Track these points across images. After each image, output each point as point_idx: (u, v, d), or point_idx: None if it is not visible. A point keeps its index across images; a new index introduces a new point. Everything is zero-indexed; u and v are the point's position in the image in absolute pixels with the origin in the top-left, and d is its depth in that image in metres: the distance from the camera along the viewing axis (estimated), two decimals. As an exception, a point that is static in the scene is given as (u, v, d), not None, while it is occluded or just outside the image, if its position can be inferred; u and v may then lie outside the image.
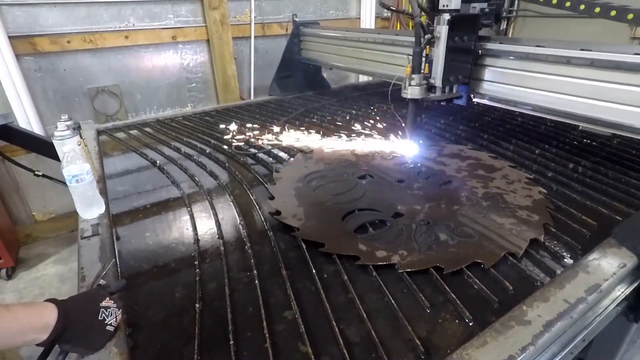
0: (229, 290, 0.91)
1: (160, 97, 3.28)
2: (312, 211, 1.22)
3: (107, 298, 0.78)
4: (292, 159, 1.64)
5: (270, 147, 1.78)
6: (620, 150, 1.63)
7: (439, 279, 0.92)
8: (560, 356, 0.83)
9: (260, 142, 1.81)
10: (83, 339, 0.73)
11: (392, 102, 1.80)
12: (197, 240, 1.11)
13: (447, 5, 1.37)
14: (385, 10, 4.21)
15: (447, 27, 1.39)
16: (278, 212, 1.21)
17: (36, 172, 2.47)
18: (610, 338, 1.15)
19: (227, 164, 1.62)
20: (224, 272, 0.97)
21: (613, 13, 1.39)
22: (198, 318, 0.83)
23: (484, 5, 1.49)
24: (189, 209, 1.28)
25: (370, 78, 3.27)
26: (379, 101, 2.52)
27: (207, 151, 1.76)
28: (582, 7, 1.46)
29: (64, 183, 1.14)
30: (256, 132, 1.91)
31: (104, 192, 1.37)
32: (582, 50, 1.31)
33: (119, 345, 0.76)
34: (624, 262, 0.94)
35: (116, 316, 0.77)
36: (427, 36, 1.41)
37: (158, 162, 1.65)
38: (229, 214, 1.26)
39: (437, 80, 1.49)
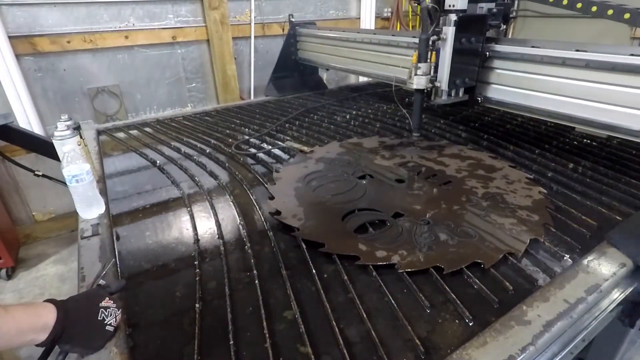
0: (229, 290, 0.91)
1: (160, 97, 3.28)
2: (312, 211, 1.22)
3: (107, 298, 0.78)
4: (292, 159, 1.64)
5: (270, 147, 1.78)
6: (620, 151, 1.63)
7: (439, 279, 0.92)
8: (560, 356, 0.83)
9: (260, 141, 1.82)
10: (83, 339, 0.73)
11: (396, 102, 1.80)
12: (197, 240, 1.11)
13: (453, 6, 1.34)
14: (386, 10, 4.21)
15: (454, 28, 1.36)
16: (278, 212, 1.21)
17: (36, 172, 2.47)
18: (610, 338, 1.15)
19: (227, 164, 1.62)
20: (224, 272, 0.97)
21: (610, 12, 1.38)
22: (198, 318, 0.83)
23: (492, 5, 1.46)
24: (189, 209, 1.28)
25: (370, 78, 3.27)
26: (378, 102, 2.53)
27: (207, 151, 1.76)
28: (579, 5, 1.45)
29: (64, 183, 1.14)
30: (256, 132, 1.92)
31: (104, 192, 1.37)
32: (577, 50, 1.31)
33: (119, 345, 0.76)
34: (623, 262, 0.94)
35: (116, 316, 0.77)
36: (433, 37, 1.37)
37: (158, 162, 1.65)
38: (229, 214, 1.26)
39: (443, 83, 1.45)
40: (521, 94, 1.53)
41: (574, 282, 0.88)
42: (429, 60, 1.40)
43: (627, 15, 1.36)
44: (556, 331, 0.77)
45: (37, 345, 0.68)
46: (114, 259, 1.01)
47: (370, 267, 0.96)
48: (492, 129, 1.94)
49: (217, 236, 1.13)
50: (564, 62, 1.35)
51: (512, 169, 1.48)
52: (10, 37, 2.50)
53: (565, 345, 0.84)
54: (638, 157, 1.57)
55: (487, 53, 1.56)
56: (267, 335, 0.78)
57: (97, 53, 2.89)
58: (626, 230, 1.05)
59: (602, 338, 1.07)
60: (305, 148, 1.71)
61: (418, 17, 4.29)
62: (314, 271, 0.95)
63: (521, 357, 0.71)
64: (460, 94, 1.57)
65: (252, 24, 3.42)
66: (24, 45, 2.60)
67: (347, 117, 2.21)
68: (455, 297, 0.86)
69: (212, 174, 1.54)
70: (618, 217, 1.15)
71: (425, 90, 1.51)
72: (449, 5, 1.36)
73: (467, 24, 1.40)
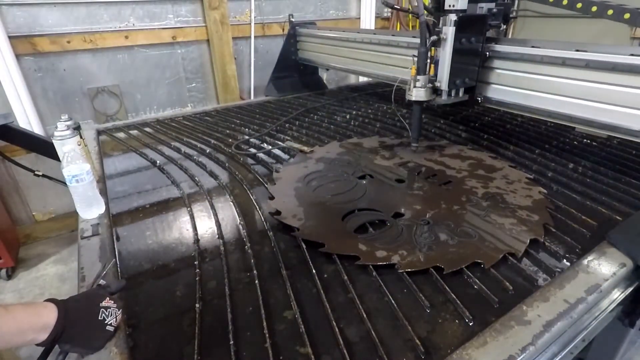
0: (229, 290, 0.91)
1: (160, 97, 3.28)
2: (312, 211, 1.22)
3: (107, 298, 0.78)
4: (292, 159, 1.64)
5: (270, 147, 1.78)
6: (620, 151, 1.63)
7: (439, 279, 0.92)
8: (560, 356, 0.83)
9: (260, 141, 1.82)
10: (83, 339, 0.73)
11: (394, 103, 1.80)
12: (197, 240, 1.11)
13: (453, 6, 1.34)
14: (386, 10, 4.21)
15: (454, 28, 1.36)
16: (278, 212, 1.21)
17: (36, 172, 2.47)
18: (610, 338, 1.15)
19: (227, 164, 1.62)
20: (224, 272, 0.97)
21: (610, 12, 1.38)
22: (198, 318, 0.83)
23: (492, 5, 1.46)
24: (189, 209, 1.28)
25: (370, 78, 3.27)
26: (378, 102, 2.52)
27: (207, 151, 1.76)
28: (579, 5, 1.45)
29: (64, 183, 1.14)
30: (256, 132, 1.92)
31: (104, 192, 1.37)
32: (577, 50, 1.31)
33: (119, 345, 0.76)
34: (623, 262, 0.94)
35: (116, 316, 0.77)
36: (433, 37, 1.37)
37: (158, 162, 1.65)
38: (229, 214, 1.26)
39: (443, 83, 1.45)
40: (521, 94, 1.53)
41: (574, 282, 0.88)
42: (427, 73, 1.40)
43: (627, 15, 1.36)
44: (556, 331, 0.77)
45: (37, 345, 0.68)
46: (114, 259, 1.01)
47: (370, 267, 0.96)
48: (492, 129, 1.95)
49: (217, 236, 1.13)
50: (564, 62, 1.35)
51: (512, 169, 1.48)
52: (10, 37, 2.50)
53: (565, 345, 0.84)
54: (638, 157, 1.57)
55: (487, 53, 1.55)
56: (267, 335, 0.78)
57: (97, 53, 2.89)
58: (626, 230, 1.05)
59: (602, 338, 1.07)
60: (305, 148, 1.71)
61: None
62: (314, 271, 0.95)
63: (521, 357, 0.71)
64: (460, 94, 1.57)
65: (252, 24, 3.42)
66: (24, 45, 2.60)
67: (347, 117, 2.21)
68: (455, 297, 0.86)
69: (212, 174, 1.54)
70: (618, 217, 1.15)
71: (425, 103, 1.51)
72: (449, 5, 1.36)
73: (467, 24, 1.40)
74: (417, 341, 0.75)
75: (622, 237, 1.01)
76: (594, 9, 1.43)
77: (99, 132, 2.07)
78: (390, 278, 0.93)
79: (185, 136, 1.97)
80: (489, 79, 1.62)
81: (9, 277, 2.68)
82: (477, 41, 1.48)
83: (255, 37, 3.47)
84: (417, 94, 1.37)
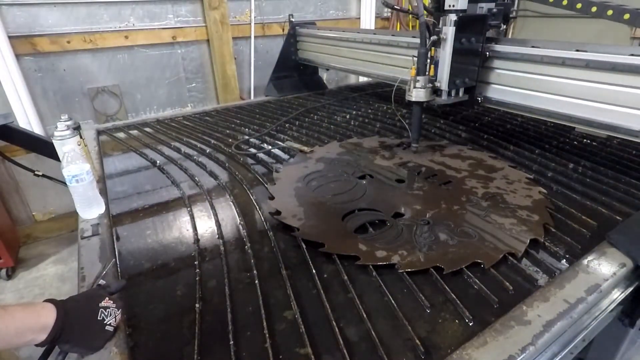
0: (229, 290, 0.91)
1: (160, 97, 3.28)
2: (312, 211, 1.22)
3: (107, 298, 0.78)
4: (292, 159, 1.64)
5: (270, 147, 1.78)
6: (620, 151, 1.63)
7: (439, 279, 0.92)
8: (560, 356, 0.83)
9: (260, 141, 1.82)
10: (82, 339, 0.73)
11: (394, 104, 1.80)
12: (197, 240, 1.11)
13: (453, 6, 1.34)
14: (386, 10, 4.21)
15: (454, 28, 1.36)
16: (278, 212, 1.21)
17: (36, 172, 2.47)
18: (610, 338, 1.15)
19: (227, 164, 1.62)
20: (224, 272, 0.97)
21: (609, 12, 1.38)
22: (198, 318, 0.83)
23: (492, 5, 1.46)
24: (189, 209, 1.28)
25: (370, 78, 3.27)
26: (378, 102, 2.52)
27: (207, 151, 1.76)
28: (578, 5, 1.45)
29: (64, 183, 1.14)
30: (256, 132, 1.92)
31: (104, 192, 1.37)
32: (577, 50, 1.31)
33: (119, 345, 0.76)
34: (623, 262, 0.94)
35: (116, 316, 0.77)
36: (433, 37, 1.37)
37: (158, 162, 1.65)
38: (229, 214, 1.26)
39: (443, 83, 1.45)
40: (521, 94, 1.53)
41: (574, 282, 0.88)
42: (427, 74, 1.39)
43: (626, 16, 1.36)
44: (556, 331, 0.77)
45: (37, 345, 0.68)
46: (114, 259, 1.01)
47: (370, 267, 0.96)
48: (492, 129, 1.95)
49: (217, 236, 1.13)
50: (563, 62, 1.35)
51: (512, 169, 1.48)
52: (10, 37, 2.50)
53: (565, 345, 0.84)
54: (638, 157, 1.57)
55: (487, 53, 1.55)
56: (267, 335, 0.78)
57: (97, 53, 2.89)
58: (626, 230, 1.05)
59: (602, 338, 1.07)
60: (305, 148, 1.71)
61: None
62: (314, 271, 0.95)
63: (521, 357, 0.71)
64: (460, 94, 1.57)
65: (252, 24, 3.42)
66: (24, 45, 2.60)
67: (347, 117, 2.21)
68: (455, 297, 0.86)
69: (212, 174, 1.54)
70: (618, 217, 1.15)
71: (424, 104, 1.51)
72: (449, 5, 1.36)
73: (467, 24, 1.40)
74: (417, 341, 0.75)
75: (622, 237, 1.01)
76: (594, 9, 1.42)
77: (99, 132, 2.07)
78: (390, 278, 0.93)
79: (185, 136, 1.97)
80: (489, 79, 1.62)
81: (9, 277, 2.68)
82: (477, 41, 1.48)
83: (255, 37, 3.47)
84: (417, 94, 1.37)
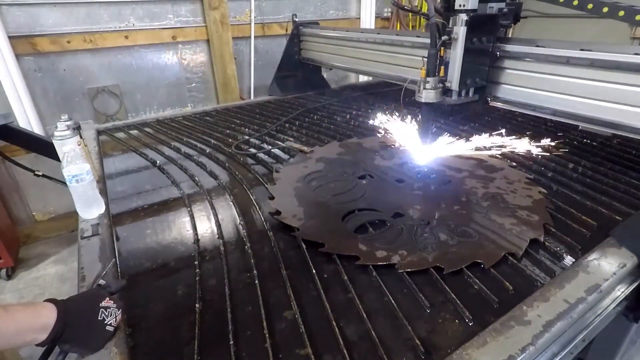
0: (229, 290, 0.91)
1: (160, 97, 3.28)
2: (312, 211, 1.22)
3: (107, 298, 0.78)
4: (292, 159, 1.64)
5: (270, 147, 1.78)
6: (620, 150, 1.63)
7: (439, 279, 0.92)
8: (560, 356, 0.83)
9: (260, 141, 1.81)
10: (82, 339, 0.73)
11: (402, 104, 1.79)
12: (197, 240, 1.11)
13: (463, 5, 1.34)
14: (386, 10, 4.21)
15: (465, 28, 1.35)
16: (278, 212, 1.21)
17: (36, 172, 2.47)
18: (610, 338, 1.15)
19: (227, 164, 1.62)
20: (224, 272, 0.97)
21: (621, 13, 1.38)
22: (198, 318, 0.83)
23: (502, 5, 1.45)
24: (189, 209, 1.28)
25: (370, 78, 3.27)
26: (379, 101, 2.52)
27: (207, 151, 1.76)
28: (590, 6, 1.45)
29: (64, 183, 1.14)
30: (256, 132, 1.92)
31: (104, 192, 1.37)
32: (581, 49, 1.31)
33: (119, 345, 0.76)
34: (624, 262, 0.94)
35: (116, 316, 0.77)
36: (444, 37, 1.36)
37: (158, 162, 1.65)
38: (229, 214, 1.26)
39: (454, 83, 1.44)
40: (529, 93, 1.53)
41: (574, 282, 0.88)
42: (437, 75, 1.39)
43: (639, 17, 1.36)
44: (556, 331, 0.77)
45: (37, 345, 0.68)
46: (114, 259, 1.01)
47: (370, 267, 0.96)
48: (492, 128, 1.94)
49: (217, 236, 1.13)
50: (568, 61, 1.36)
51: (512, 169, 1.48)
52: (10, 37, 2.50)
53: (565, 345, 0.84)
54: (638, 156, 1.57)
55: (498, 53, 1.55)
56: (267, 335, 0.78)
57: (97, 53, 2.89)
58: (630, 226, 1.05)
59: (602, 338, 1.07)
60: (305, 148, 1.70)
61: (418, 17, 4.30)
62: (314, 271, 0.95)
63: (521, 357, 0.71)
64: (471, 94, 1.56)
65: (252, 24, 3.42)
66: (24, 45, 2.60)
67: (347, 117, 2.21)
68: (455, 297, 0.86)
69: (212, 174, 1.54)
70: (618, 217, 1.15)
71: (434, 105, 1.50)
72: (460, 5, 1.35)
73: (479, 23, 1.39)
74: (417, 341, 0.75)
75: (626, 233, 1.01)
76: (605, 9, 1.42)
77: (99, 132, 2.07)
78: (390, 278, 0.93)
79: (185, 136, 1.97)
80: (499, 78, 1.61)
81: (9, 277, 2.68)
82: (489, 41, 1.47)
83: (255, 37, 3.47)
84: (427, 95, 1.36)
